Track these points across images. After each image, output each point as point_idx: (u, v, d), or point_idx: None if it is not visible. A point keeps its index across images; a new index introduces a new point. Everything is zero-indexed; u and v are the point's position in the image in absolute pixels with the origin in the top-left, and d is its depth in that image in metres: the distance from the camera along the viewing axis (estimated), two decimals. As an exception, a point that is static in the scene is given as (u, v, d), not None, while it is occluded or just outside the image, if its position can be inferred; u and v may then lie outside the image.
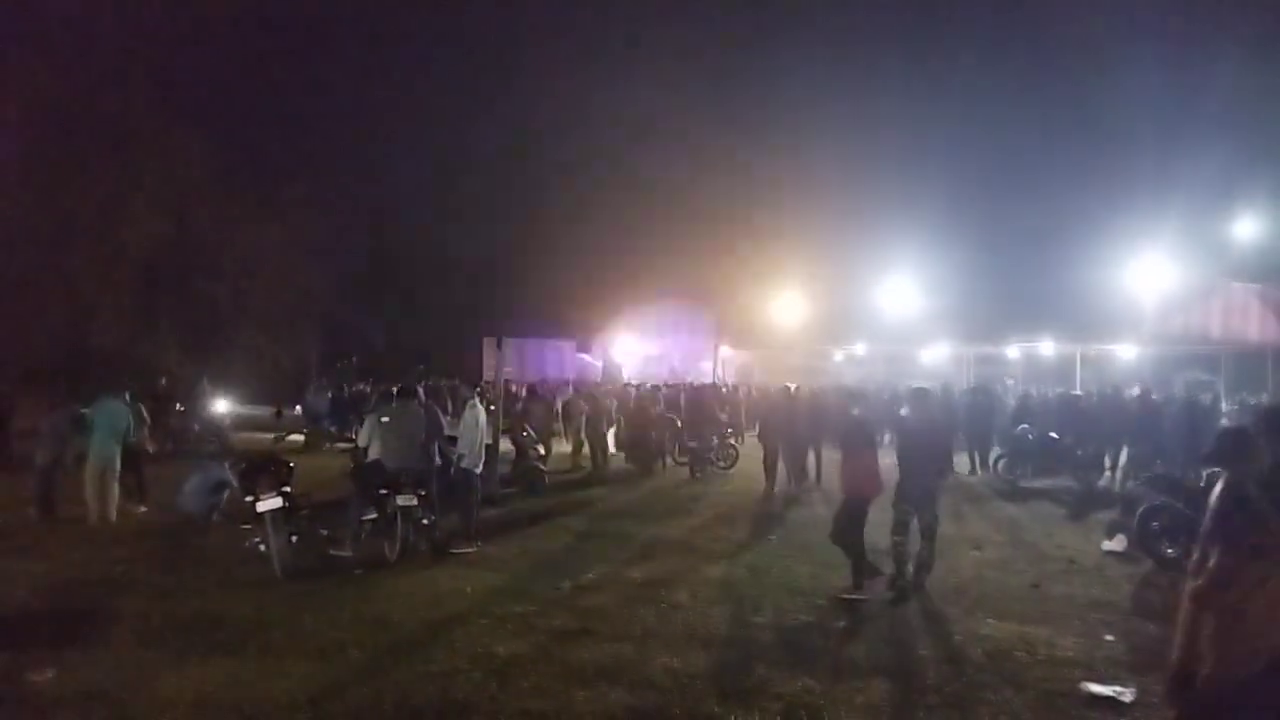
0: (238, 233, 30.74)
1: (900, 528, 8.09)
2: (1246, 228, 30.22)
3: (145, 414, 12.73)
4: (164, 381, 13.69)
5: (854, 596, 7.62)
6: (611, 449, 17.84)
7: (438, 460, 9.76)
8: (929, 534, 8.08)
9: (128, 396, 11.65)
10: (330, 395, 21.91)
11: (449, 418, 11.14)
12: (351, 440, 10.88)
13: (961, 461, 17.66)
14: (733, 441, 17.99)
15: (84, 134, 28.20)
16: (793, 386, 17.50)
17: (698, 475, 16.08)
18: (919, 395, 9.29)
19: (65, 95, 27.32)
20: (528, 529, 10.87)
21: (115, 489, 10.85)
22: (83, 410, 11.18)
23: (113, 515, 10.76)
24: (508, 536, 10.24)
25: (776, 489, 14.42)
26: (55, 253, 27.21)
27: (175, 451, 18.18)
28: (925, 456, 8.26)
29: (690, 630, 6.70)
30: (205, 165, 29.90)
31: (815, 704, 5.25)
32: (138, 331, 28.55)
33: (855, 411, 8.92)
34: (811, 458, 15.28)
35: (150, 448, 12.66)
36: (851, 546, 7.81)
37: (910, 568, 8.07)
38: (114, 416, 10.92)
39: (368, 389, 22.22)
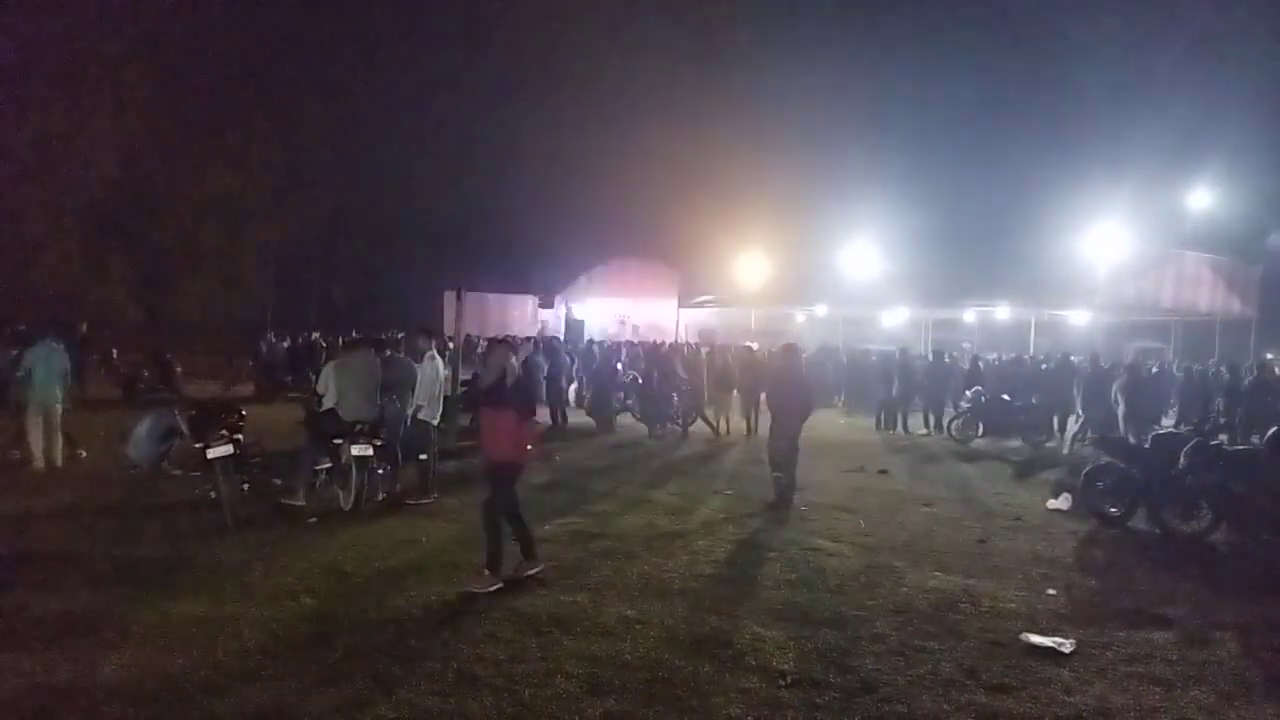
0: (191, 177, 29.89)
1: (783, 466, 9.78)
2: (1200, 199, 30.82)
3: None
4: (84, 327, 13.08)
5: (483, 589, 6.22)
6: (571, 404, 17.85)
7: (408, 410, 9.64)
8: (793, 464, 9.82)
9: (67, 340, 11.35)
10: (287, 346, 21.59)
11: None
12: (308, 390, 10.69)
13: (917, 422, 18.13)
14: (686, 400, 18.05)
15: (30, 71, 27.08)
16: (754, 345, 17.64)
17: (657, 432, 16.15)
18: (790, 351, 10.80)
19: (11, 30, 26.18)
20: (486, 482, 10.83)
21: (59, 434, 10.60)
22: (18, 355, 10.85)
23: (59, 460, 10.54)
24: (465, 489, 10.18)
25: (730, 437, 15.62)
26: (-1, 194, 26.30)
27: (125, 399, 17.87)
28: (792, 403, 9.92)
29: (644, 581, 6.76)
30: (158, 106, 28.90)
31: (765, 651, 5.34)
32: (85, 276, 27.79)
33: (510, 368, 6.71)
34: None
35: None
36: (510, 521, 6.57)
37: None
38: (50, 361, 10.61)
39: (318, 338, 21.89)
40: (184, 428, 9.68)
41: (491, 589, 6.23)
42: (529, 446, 6.78)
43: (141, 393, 18.43)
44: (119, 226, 29.57)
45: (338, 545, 7.45)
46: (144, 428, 10.40)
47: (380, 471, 9.11)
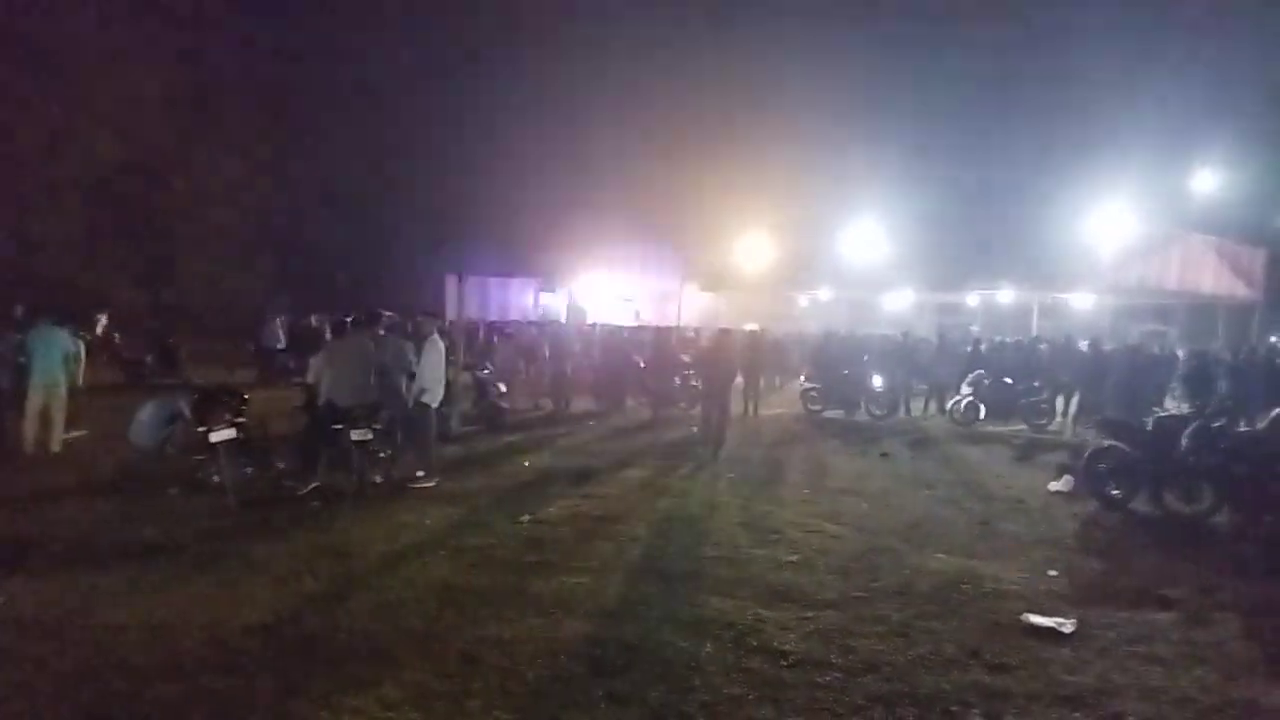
0: (192, 157, 29.80)
1: (705, 423, 12.21)
2: (1206, 180, 30.65)
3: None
4: (20, 310, 12.78)
5: None
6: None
7: (404, 392, 9.62)
8: (723, 424, 12.21)
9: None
10: (287, 328, 21.53)
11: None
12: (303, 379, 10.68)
13: (918, 405, 18.13)
14: (695, 383, 18.06)
15: (31, 50, 26.98)
16: (756, 328, 17.67)
17: (661, 415, 16.15)
18: (719, 333, 13.00)
19: (10, 9, 26.06)
20: (488, 465, 10.87)
21: (61, 418, 10.60)
22: (19, 338, 10.82)
23: (57, 445, 10.53)
24: (468, 472, 10.23)
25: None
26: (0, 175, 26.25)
27: (129, 383, 17.88)
28: (719, 375, 12.37)
29: (647, 563, 6.78)
30: (158, 85, 28.78)
31: (766, 632, 5.35)
32: (87, 260, 27.77)
33: None
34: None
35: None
36: None
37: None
38: (51, 343, 10.57)
39: (316, 322, 21.78)
40: (187, 412, 9.69)
41: None
42: None
43: (145, 377, 18.45)
44: (121, 211, 29.53)
45: (340, 528, 7.48)
46: (147, 412, 10.40)
47: (381, 455, 9.11)
